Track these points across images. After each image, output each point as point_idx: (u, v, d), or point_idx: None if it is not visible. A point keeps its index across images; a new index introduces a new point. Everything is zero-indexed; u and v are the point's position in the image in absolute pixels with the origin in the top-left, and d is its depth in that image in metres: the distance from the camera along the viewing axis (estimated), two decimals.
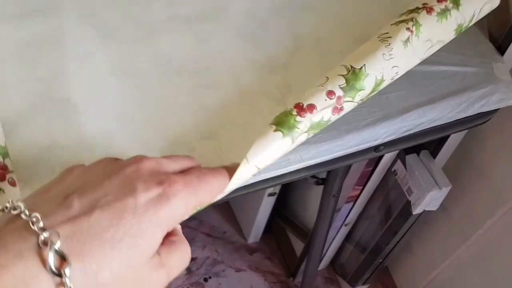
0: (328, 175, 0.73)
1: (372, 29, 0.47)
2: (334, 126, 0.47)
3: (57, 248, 0.25)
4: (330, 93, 0.39)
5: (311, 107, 0.38)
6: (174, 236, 0.31)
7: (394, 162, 0.82)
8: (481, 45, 0.57)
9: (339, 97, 0.40)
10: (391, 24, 0.45)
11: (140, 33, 0.50)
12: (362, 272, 0.99)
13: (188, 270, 1.01)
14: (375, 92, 0.43)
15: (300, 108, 0.38)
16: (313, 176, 0.78)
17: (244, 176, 0.35)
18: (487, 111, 0.54)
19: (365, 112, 0.48)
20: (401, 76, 0.51)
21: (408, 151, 0.79)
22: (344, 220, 0.95)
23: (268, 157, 0.37)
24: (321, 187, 0.77)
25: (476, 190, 0.80)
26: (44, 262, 0.25)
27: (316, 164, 0.47)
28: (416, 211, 0.80)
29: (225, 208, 1.12)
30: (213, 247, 1.06)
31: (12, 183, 0.37)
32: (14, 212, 0.27)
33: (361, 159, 0.51)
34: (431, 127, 0.52)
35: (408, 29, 0.43)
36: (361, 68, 0.41)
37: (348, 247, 1.01)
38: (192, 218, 0.33)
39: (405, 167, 0.79)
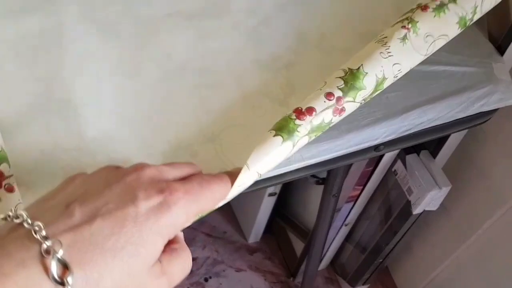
0: (328, 175, 0.73)
1: (377, 24, 0.47)
2: (334, 125, 0.47)
3: (59, 257, 0.26)
4: (329, 95, 0.39)
5: (310, 110, 0.38)
6: (175, 243, 0.31)
7: (394, 162, 0.82)
8: (481, 45, 0.58)
9: (338, 98, 0.39)
10: (388, 28, 0.45)
11: (140, 30, 0.50)
12: (362, 272, 0.99)
13: None
14: (379, 91, 0.42)
15: (299, 112, 0.38)
16: (314, 176, 0.78)
17: (245, 182, 0.35)
18: (487, 111, 0.55)
19: (365, 112, 0.49)
20: (401, 76, 0.51)
21: (408, 151, 0.79)
22: (344, 220, 0.95)
23: (269, 162, 0.37)
24: (322, 187, 0.77)
25: (476, 190, 0.80)
26: (46, 270, 0.25)
27: (317, 163, 0.47)
28: (416, 211, 0.80)
29: (226, 208, 1.12)
30: (214, 247, 1.06)
31: (9, 189, 0.37)
32: (17, 221, 0.27)
33: (362, 158, 0.52)
34: (431, 127, 0.52)
35: (403, 27, 0.43)
36: (358, 68, 0.40)
37: (348, 247, 1.02)
38: (181, 232, 0.33)
39: (405, 167, 0.79)
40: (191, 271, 0.32)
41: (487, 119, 0.56)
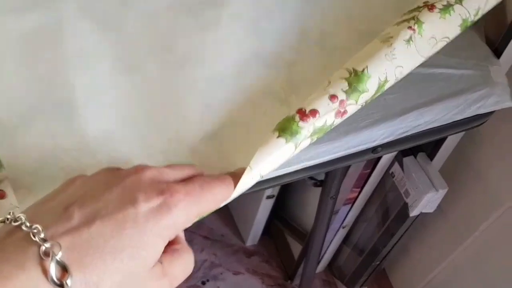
0: (326, 177, 0.73)
1: (378, 23, 0.46)
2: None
3: (58, 259, 0.25)
4: (333, 98, 0.39)
5: (314, 112, 0.38)
6: (177, 244, 0.31)
7: (391, 164, 0.82)
8: (477, 48, 0.58)
9: (342, 101, 0.39)
10: (393, 25, 0.44)
11: (140, 23, 0.48)
12: (359, 275, 1.00)
13: None
14: (379, 94, 0.42)
15: (303, 114, 0.38)
16: (311, 178, 0.79)
17: (248, 183, 0.35)
18: (483, 113, 0.55)
19: (363, 114, 0.49)
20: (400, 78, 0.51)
21: (405, 153, 0.79)
22: (342, 223, 0.95)
23: (272, 163, 0.36)
24: (319, 189, 0.77)
25: (473, 192, 0.80)
26: (45, 273, 0.25)
27: (315, 165, 0.47)
28: (413, 213, 0.80)
29: (224, 210, 1.12)
30: (211, 250, 1.06)
31: (1, 195, 0.37)
32: (15, 224, 0.27)
33: (359, 160, 0.52)
34: (428, 129, 0.52)
35: (410, 27, 0.42)
36: (363, 70, 0.40)
37: (346, 249, 1.02)
38: (182, 232, 0.33)
39: (403, 169, 0.79)
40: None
41: (483, 122, 0.57)
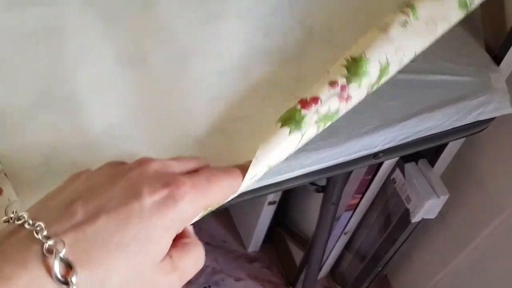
0: (328, 183, 0.74)
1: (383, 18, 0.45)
2: (334, 133, 0.47)
3: (62, 256, 0.25)
4: (333, 84, 0.38)
5: (315, 99, 0.37)
6: (186, 237, 0.30)
7: (393, 171, 0.82)
8: (477, 55, 0.58)
9: (343, 86, 0.38)
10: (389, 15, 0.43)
11: (144, 16, 0.48)
12: (361, 281, 1.00)
13: None
14: (386, 77, 0.41)
15: (304, 102, 0.37)
16: (313, 184, 0.79)
17: (256, 175, 0.34)
18: (484, 120, 0.55)
19: (364, 120, 0.49)
20: (399, 85, 0.52)
21: (406, 159, 0.80)
22: (344, 229, 0.95)
23: (279, 154, 0.36)
24: (321, 195, 0.77)
25: (474, 198, 0.80)
26: (49, 271, 0.24)
27: (316, 171, 0.48)
28: (415, 219, 0.80)
29: (225, 216, 1.12)
30: (213, 256, 1.06)
31: None
32: (18, 223, 0.26)
33: (361, 166, 0.52)
34: (429, 135, 0.53)
35: (403, 12, 0.42)
36: (360, 55, 0.39)
37: (348, 255, 1.02)
38: (191, 226, 0.32)
39: (404, 176, 0.80)
40: (190, 281, 0.31)
41: (484, 128, 0.57)
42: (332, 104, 0.38)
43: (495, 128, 0.61)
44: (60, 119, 0.41)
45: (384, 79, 0.41)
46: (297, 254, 1.02)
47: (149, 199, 0.28)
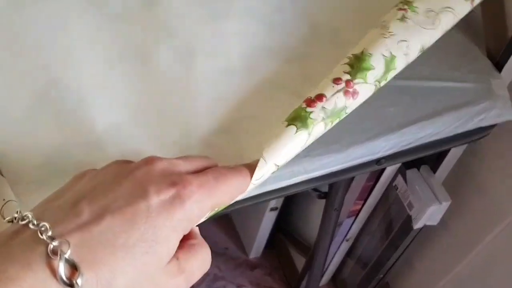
0: (330, 188, 0.74)
1: None
2: (337, 139, 0.48)
3: (67, 257, 0.24)
4: (336, 80, 0.38)
5: (320, 97, 0.37)
6: (193, 239, 0.29)
7: (395, 177, 0.82)
8: (479, 61, 0.59)
9: (348, 81, 0.38)
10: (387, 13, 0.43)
11: (149, 12, 0.47)
12: None
13: None
14: (394, 71, 0.40)
15: (309, 100, 0.37)
16: (315, 190, 0.79)
17: (264, 175, 0.34)
18: (485, 126, 0.56)
19: (366, 126, 0.49)
20: (400, 92, 0.52)
21: (408, 166, 0.80)
22: (346, 235, 0.95)
23: (286, 153, 0.35)
24: (323, 202, 0.78)
25: (476, 204, 0.80)
26: (54, 272, 0.24)
27: (319, 177, 0.48)
28: (417, 225, 0.80)
29: (227, 223, 1.12)
30: (215, 263, 1.06)
31: None
32: (22, 223, 0.26)
33: (363, 171, 0.52)
34: (431, 141, 0.53)
35: (400, 9, 0.42)
36: (362, 51, 0.39)
37: (349, 262, 1.02)
38: (197, 227, 0.32)
39: (406, 182, 0.80)
40: (192, 286, 0.31)
41: (485, 134, 0.57)
42: (338, 100, 0.37)
43: (497, 135, 0.61)
44: (63, 118, 0.41)
45: (391, 73, 0.40)
46: (299, 261, 1.02)
47: (156, 199, 0.27)
